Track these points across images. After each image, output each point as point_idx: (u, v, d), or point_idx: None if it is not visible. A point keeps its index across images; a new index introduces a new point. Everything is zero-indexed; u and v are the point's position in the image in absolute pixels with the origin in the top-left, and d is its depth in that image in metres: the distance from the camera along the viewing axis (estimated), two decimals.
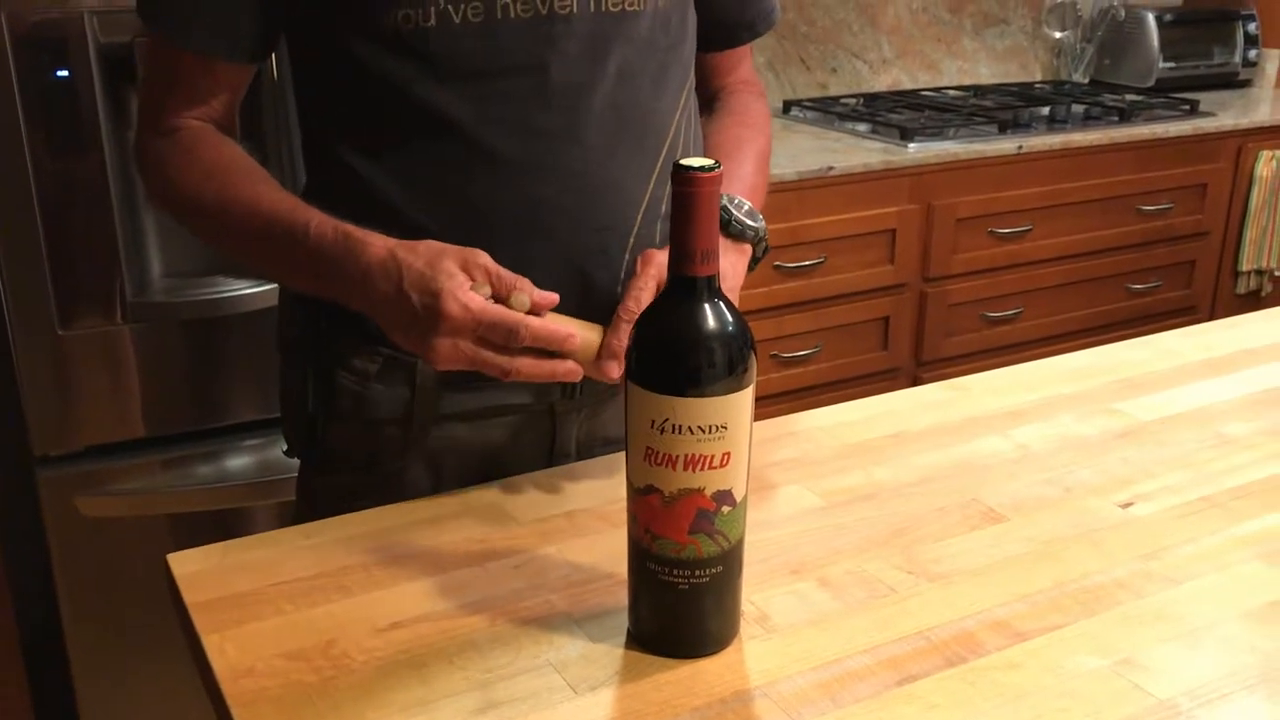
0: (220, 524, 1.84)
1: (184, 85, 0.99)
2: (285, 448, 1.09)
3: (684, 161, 0.69)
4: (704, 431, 0.71)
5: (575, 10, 0.93)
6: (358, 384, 1.01)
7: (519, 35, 0.93)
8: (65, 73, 1.62)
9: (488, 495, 0.97)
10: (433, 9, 0.91)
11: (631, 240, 0.99)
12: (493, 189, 0.95)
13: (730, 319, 0.72)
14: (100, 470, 1.79)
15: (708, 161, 0.68)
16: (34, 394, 1.73)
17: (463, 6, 0.91)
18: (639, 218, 0.99)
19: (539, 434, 1.04)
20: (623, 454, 0.76)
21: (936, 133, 2.60)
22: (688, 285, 0.71)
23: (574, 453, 1.07)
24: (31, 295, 1.69)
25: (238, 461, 1.86)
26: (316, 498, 1.05)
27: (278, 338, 1.07)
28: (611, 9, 0.95)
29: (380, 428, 1.02)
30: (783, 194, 2.31)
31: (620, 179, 0.98)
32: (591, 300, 0.99)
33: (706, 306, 0.71)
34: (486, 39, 0.92)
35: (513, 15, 0.92)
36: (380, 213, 0.96)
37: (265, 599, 0.82)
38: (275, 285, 1.80)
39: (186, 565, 0.86)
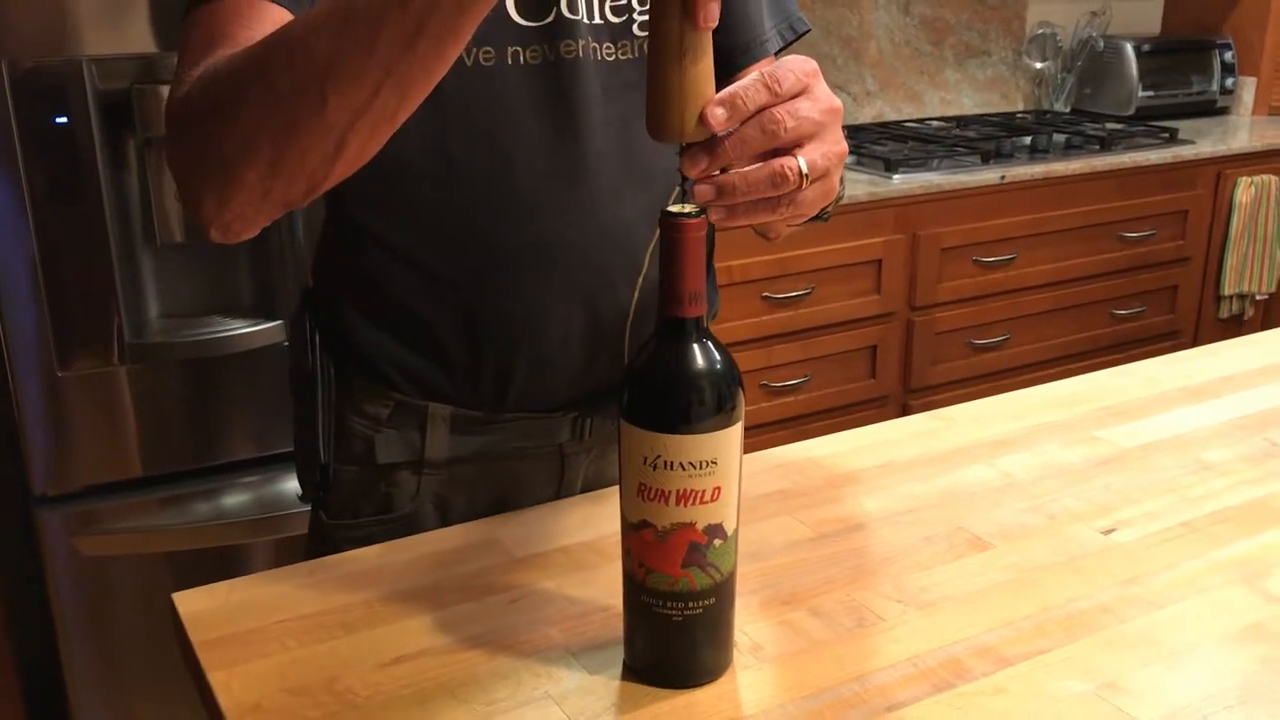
0: (219, 561, 1.85)
1: (230, 33, 0.83)
2: (300, 492, 1.11)
3: (671, 208, 0.71)
4: (695, 467, 0.73)
5: (581, 56, 0.95)
6: (369, 428, 1.03)
7: (528, 80, 0.94)
8: (64, 119, 1.65)
9: (486, 531, 0.99)
10: None
11: (640, 280, 1.01)
12: (501, 229, 0.96)
13: (718, 358, 0.74)
14: (99, 509, 1.81)
15: (693, 208, 0.71)
16: (33, 434, 1.75)
17: (474, 51, 0.93)
18: (647, 258, 1.01)
19: (547, 476, 1.06)
20: (616, 489, 0.78)
21: (920, 164, 2.64)
22: (677, 326, 0.73)
23: (579, 491, 1.09)
24: (31, 337, 1.71)
25: (235, 499, 1.88)
26: (329, 541, 1.06)
27: (290, 383, 1.09)
28: (621, 57, 0.97)
29: (392, 472, 1.04)
30: None
31: (629, 221, 0.99)
32: (597, 339, 1.01)
33: (695, 347, 0.73)
34: (497, 83, 0.94)
35: (522, 61, 0.94)
36: (390, 252, 0.98)
37: (270, 636, 0.84)
38: (274, 324, 1.85)
39: (191, 604, 0.88)
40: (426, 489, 1.04)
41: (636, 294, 1.01)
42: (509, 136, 0.95)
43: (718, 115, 0.70)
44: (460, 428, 1.02)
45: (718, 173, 0.73)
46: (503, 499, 1.05)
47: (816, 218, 0.90)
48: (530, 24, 0.94)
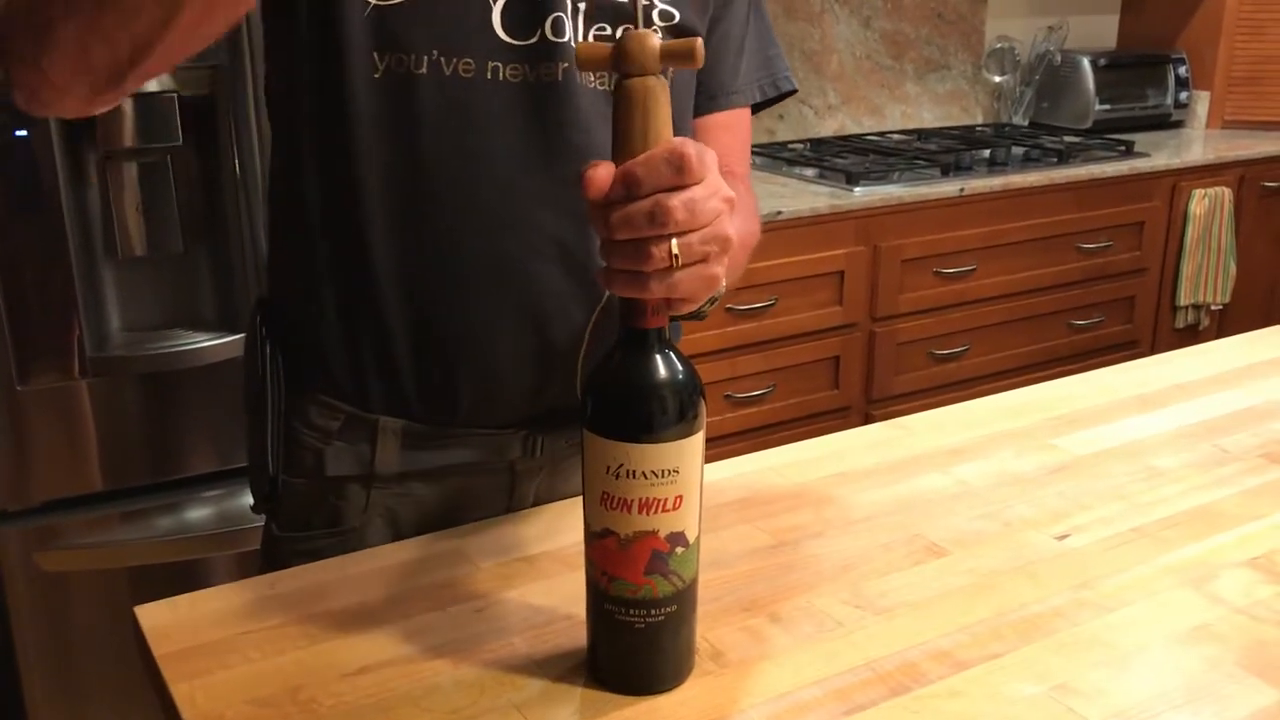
0: (180, 575, 1.84)
1: None
2: (252, 503, 1.11)
3: None
4: (657, 476, 0.74)
5: (562, 80, 0.95)
6: (319, 441, 1.03)
7: (506, 97, 0.95)
8: (24, 132, 1.64)
9: (449, 541, 0.99)
10: (425, 57, 0.92)
11: (599, 307, 1.01)
12: (461, 243, 0.96)
13: (680, 368, 0.75)
14: (59, 524, 1.80)
15: None
16: None
17: (455, 61, 0.93)
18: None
19: (498, 492, 1.06)
20: (579, 499, 0.79)
21: (881, 176, 2.67)
22: (639, 337, 0.74)
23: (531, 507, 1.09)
24: None
25: (197, 513, 1.87)
26: (279, 554, 1.07)
27: (243, 394, 1.09)
28: (599, 87, 0.97)
29: (341, 485, 1.04)
30: None
31: (591, 248, 0.98)
32: (549, 361, 1.01)
33: (658, 357, 0.75)
34: (473, 96, 0.94)
35: (501, 77, 0.94)
36: (344, 259, 0.98)
37: (233, 648, 0.84)
38: (236, 337, 1.84)
39: (153, 617, 0.88)
40: (376, 503, 1.04)
41: (592, 321, 1.01)
42: (480, 151, 0.95)
43: (595, 181, 0.69)
44: (410, 442, 1.02)
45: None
46: (453, 514, 1.05)
47: (693, 315, 0.87)
48: (514, 42, 0.94)
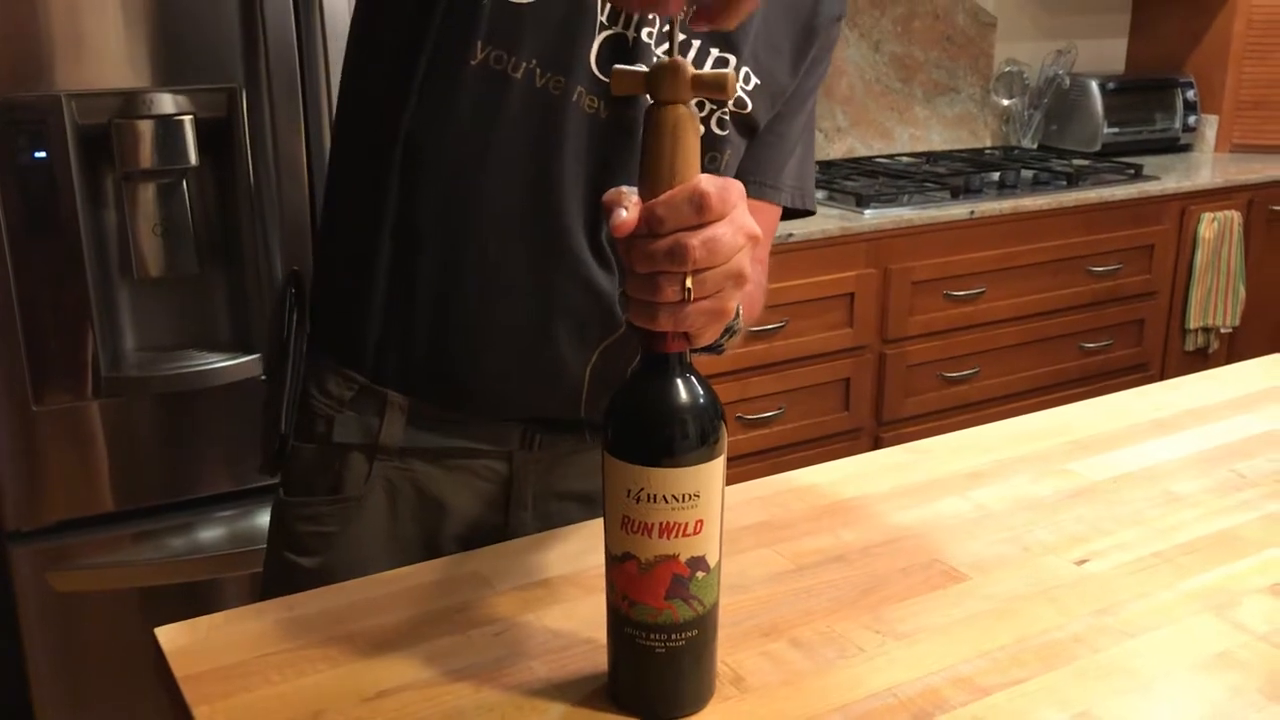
0: (193, 596, 1.84)
1: None
2: (260, 464, 1.12)
3: None
4: (678, 500, 0.74)
5: (629, 127, 0.97)
6: (331, 408, 1.05)
7: (580, 125, 0.96)
8: (43, 154, 1.65)
9: (467, 564, 0.99)
10: (523, 64, 0.93)
11: (613, 336, 1.03)
12: (504, 246, 0.99)
13: (701, 392, 0.75)
14: (72, 545, 1.80)
15: None
16: (6, 469, 1.74)
17: (548, 76, 0.94)
18: (625, 319, 1.02)
19: (496, 481, 1.09)
20: (597, 521, 0.79)
21: (891, 199, 2.67)
22: (660, 361, 0.75)
23: (529, 503, 1.11)
24: (5, 371, 1.71)
25: (210, 533, 1.87)
26: (284, 519, 1.09)
27: (264, 359, 1.11)
28: None
29: (346, 452, 1.06)
30: None
31: (616, 285, 1.01)
32: (555, 377, 1.04)
33: (678, 381, 0.75)
34: (556, 115, 0.95)
35: (582, 104, 0.96)
36: (388, 244, 1.00)
37: (253, 670, 0.84)
38: (250, 358, 1.85)
39: (174, 638, 0.88)
40: (378, 474, 1.06)
41: (603, 346, 1.03)
42: (542, 169, 0.97)
43: (623, 225, 0.69)
44: (416, 420, 1.05)
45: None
46: (450, 498, 1.08)
47: (711, 349, 0.88)
48: (603, 78, 0.95)
